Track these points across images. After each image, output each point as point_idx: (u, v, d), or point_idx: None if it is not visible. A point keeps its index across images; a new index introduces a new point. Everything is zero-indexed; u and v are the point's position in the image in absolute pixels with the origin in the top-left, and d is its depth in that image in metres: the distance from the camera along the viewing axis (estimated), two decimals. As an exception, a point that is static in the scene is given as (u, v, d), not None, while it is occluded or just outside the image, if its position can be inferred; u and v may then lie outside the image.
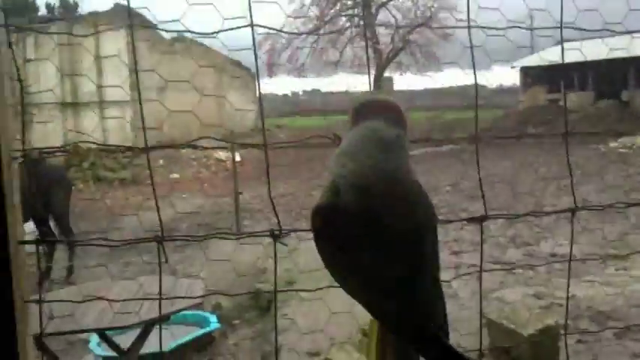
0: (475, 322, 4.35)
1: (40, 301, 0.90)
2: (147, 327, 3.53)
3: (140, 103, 1.22)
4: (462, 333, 4.03)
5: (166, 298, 2.36)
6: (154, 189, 1.33)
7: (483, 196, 1.48)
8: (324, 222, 0.99)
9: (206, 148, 1.34)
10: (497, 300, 4.61)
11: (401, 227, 0.95)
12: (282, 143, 1.42)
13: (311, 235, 1.01)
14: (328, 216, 0.97)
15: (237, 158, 13.13)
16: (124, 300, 3.14)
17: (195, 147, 1.31)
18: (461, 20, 1.46)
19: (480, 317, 1.57)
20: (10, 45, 0.98)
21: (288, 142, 1.40)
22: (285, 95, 45.79)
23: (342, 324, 3.97)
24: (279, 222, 1.44)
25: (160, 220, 1.37)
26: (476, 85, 1.48)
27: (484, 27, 1.40)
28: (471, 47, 1.32)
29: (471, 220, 1.23)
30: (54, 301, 1.46)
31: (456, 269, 5.87)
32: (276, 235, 1.12)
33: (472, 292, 5.12)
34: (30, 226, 7.58)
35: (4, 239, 0.72)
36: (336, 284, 1.09)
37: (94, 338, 4.32)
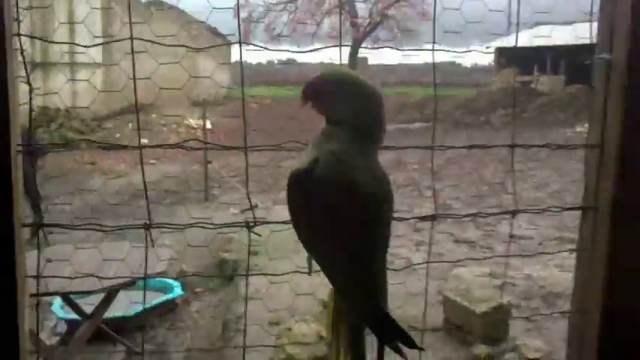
0: (430, 297, 4.51)
1: (37, 277, 0.98)
2: (110, 292, 3.59)
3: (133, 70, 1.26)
4: (420, 308, 4.19)
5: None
6: (143, 176, 1.38)
7: (435, 196, 1.56)
8: (299, 184, 1.06)
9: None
10: (455, 278, 4.76)
11: (367, 205, 1.06)
12: (261, 147, 1.44)
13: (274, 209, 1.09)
14: (304, 180, 1.05)
15: (208, 126, 13.10)
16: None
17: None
18: None
19: (425, 307, 1.65)
20: None
21: (267, 146, 1.41)
22: (260, 64, 45.37)
23: (303, 298, 4.07)
24: (252, 209, 1.50)
25: (148, 205, 1.39)
26: (434, 78, 1.51)
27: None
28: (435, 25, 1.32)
29: (422, 218, 1.29)
30: (51, 276, 1.48)
31: (417, 246, 6.02)
32: (251, 226, 1.18)
33: (432, 268, 5.28)
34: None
35: (11, 222, 0.78)
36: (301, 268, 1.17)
37: (57, 301, 4.36)
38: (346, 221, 1.05)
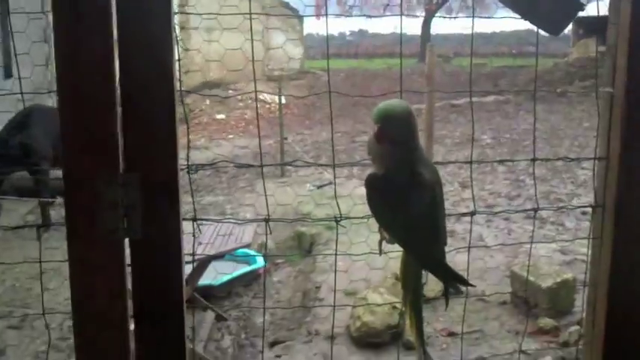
0: (500, 272, 4.70)
1: (194, 220, 1.26)
2: (202, 262, 3.97)
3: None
4: (489, 283, 4.39)
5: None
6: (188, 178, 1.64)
7: (472, 192, 1.79)
8: (372, 184, 1.46)
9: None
10: (524, 254, 4.92)
11: (430, 191, 1.47)
12: (345, 164, 1.71)
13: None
14: (375, 181, 1.45)
15: (283, 101, 13.44)
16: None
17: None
18: None
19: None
20: None
21: (349, 163, 1.69)
22: (332, 36, 45.38)
23: (376, 272, 4.34)
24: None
25: (194, 201, 1.61)
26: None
27: None
28: None
29: (463, 214, 1.61)
30: (206, 219, 1.73)
31: (487, 223, 6.15)
32: (338, 221, 1.49)
33: (502, 245, 5.44)
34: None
35: (174, 164, 1.05)
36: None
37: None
38: (416, 206, 1.44)
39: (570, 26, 24.44)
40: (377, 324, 3.71)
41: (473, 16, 1.59)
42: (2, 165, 6.41)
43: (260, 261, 5.25)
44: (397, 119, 1.41)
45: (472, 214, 1.53)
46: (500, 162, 7.03)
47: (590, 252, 1.46)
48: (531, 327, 3.86)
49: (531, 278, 3.98)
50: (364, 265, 4.29)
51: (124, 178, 0.98)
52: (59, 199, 7.44)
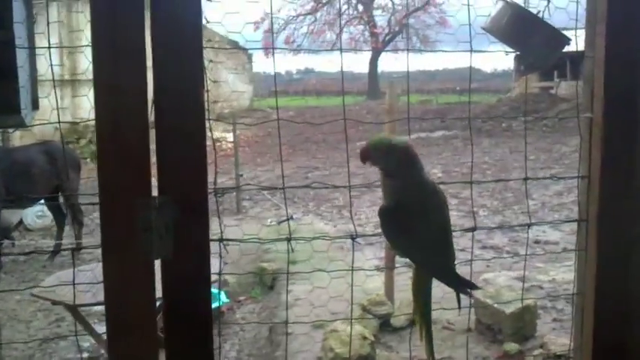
0: (464, 301, 4.80)
1: (221, 240, 1.29)
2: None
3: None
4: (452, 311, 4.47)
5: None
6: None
7: (473, 211, 1.88)
8: (384, 216, 1.57)
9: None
10: (484, 282, 5.05)
11: (437, 213, 1.59)
12: (358, 186, 1.78)
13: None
14: (386, 212, 1.56)
15: (230, 138, 13.43)
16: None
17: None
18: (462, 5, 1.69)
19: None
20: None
21: (363, 185, 1.76)
22: (279, 74, 45.84)
23: (339, 300, 4.38)
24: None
25: (220, 223, 1.68)
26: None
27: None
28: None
29: (465, 230, 1.70)
30: (233, 239, 1.61)
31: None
32: (354, 238, 1.56)
33: (463, 274, 5.56)
34: (37, 207, 7.96)
35: (204, 188, 1.09)
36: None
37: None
38: (426, 232, 1.57)
39: (512, 64, 25.44)
40: (349, 355, 3.74)
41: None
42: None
43: (223, 298, 5.21)
44: (387, 151, 1.52)
45: (473, 229, 1.63)
46: (498, 181, 7.23)
47: (576, 263, 1.57)
48: (497, 352, 3.95)
49: (495, 305, 4.09)
50: (328, 297, 4.34)
51: (158, 201, 1.02)
52: (5, 242, 7.27)
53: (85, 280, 4.00)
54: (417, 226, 1.56)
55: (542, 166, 11.59)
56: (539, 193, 9.54)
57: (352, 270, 1.63)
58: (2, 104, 1.21)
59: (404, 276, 5.24)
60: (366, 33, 28.14)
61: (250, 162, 14.35)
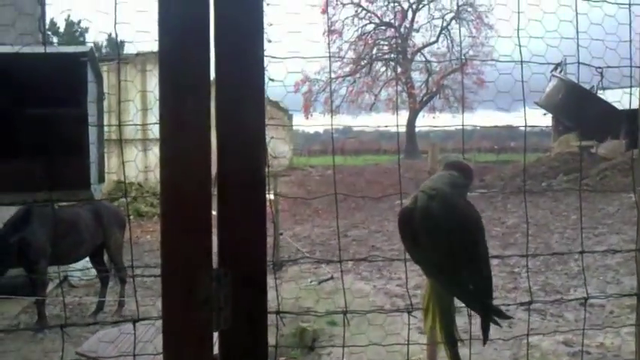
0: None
1: (278, 313, 1.33)
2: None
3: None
4: None
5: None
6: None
7: (529, 282, 1.88)
8: (404, 219, 1.56)
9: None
10: (529, 346, 4.93)
11: (452, 226, 1.54)
12: None
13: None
14: (407, 215, 1.55)
15: (271, 197, 13.60)
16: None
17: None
18: (494, 64, 1.74)
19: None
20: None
21: None
22: (318, 133, 46.44)
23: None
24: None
25: (278, 296, 1.75)
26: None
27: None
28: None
29: (522, 304, 1.69)
30: (289, 312, 1.67)
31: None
32: (410, 312, 1.57)
33: (505, 337, 5.44)
34: (82, 263, 8.13)
35: (263, 261, 1.14)
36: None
37: None
38: (444, 244, 1.53)
39: (550, 122, 25.32)
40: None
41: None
42: (0, 262, 6.40)
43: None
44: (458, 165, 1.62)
45: (529, 303, 1.61)
46: (553, 255, 7.16)
47: (636, 339, 1.54)
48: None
49: (541, 371, 3.99)
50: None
51: (217, 274, 1.07)
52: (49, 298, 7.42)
53: (128, 339, 4.06)
54: (432, 234, 1.53)
55: (584, 226, 11.35)
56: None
57: (408, 344, 1.62)
58: (74, 180, 1.28)
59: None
60: (404, 94, 28.49)
61: (289, 220, 14.43)
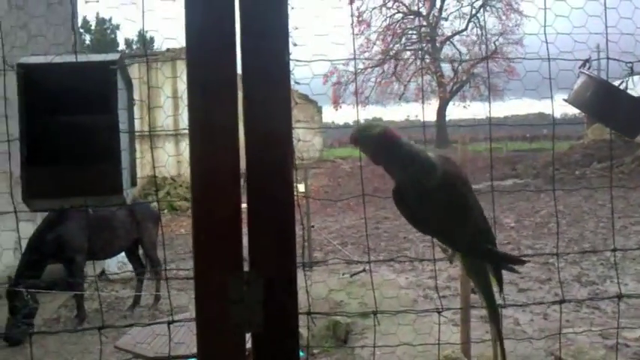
0: (540, 359, 4.66)
1: (309, 313, 1.35)
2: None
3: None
4: None
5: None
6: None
7: (561, 283, 1.87)
8: (397, 194, 1.56)
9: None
10: (564, 338, 4.88)
11: (434, 186, 1.53)
12: None
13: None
14: (397, 195, 1.57)
15: (302, 189, 13.64)
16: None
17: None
18: (527, 53, 1.72)
19: None
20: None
21: None
22: (347, 124, 46.29)
23: (415, 355, 4.33)
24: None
25: (309, 297, 1.76)
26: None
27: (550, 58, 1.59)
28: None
29: (553, 303, 1.68)
30: (319, 312, 1.79)
31: (522, 307, 6.12)
32: (440, 312, 1.57)
33: (539, 330, 5.41)
34: (118, 258, 8.29)
35: (293, 263, 1.16)
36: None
37: None
38: (435, 209, 1.53)
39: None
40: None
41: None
42: (39, 259, 6.56)
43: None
44: (366, 143, 1.56)
45: (561, 302, 1.60)
46: (584, 252, 7.06)
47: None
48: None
49: (577, 364, 3.95)
50: (401, 354, 4.29)
51: (249, 276, 1.09)
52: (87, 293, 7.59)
53: (164, 334, 4.13)
54: (422, 205, 1.53)
55: (619, 215, 11.18)
56: (618, 243, 9.18)
57: (439, 344, 1.63)
58: (106, 186, 1.32)
59: (481, 330, 5.14)
60: (434, 83, 28.26)
61: (320, 212, 14.47)
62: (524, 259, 1.60)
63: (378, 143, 1.52)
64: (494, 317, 1.64)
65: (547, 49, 1.44)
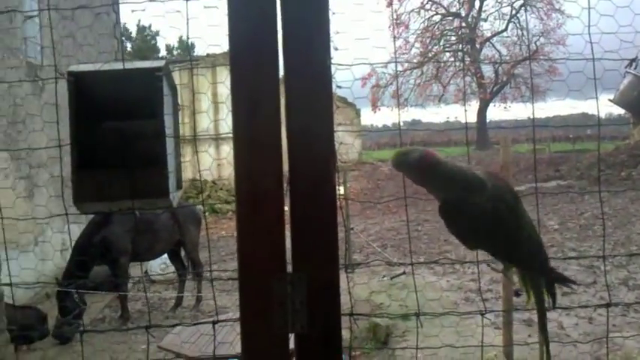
0: (587, 363, 4.57)
1: (351, 315, 1.36)
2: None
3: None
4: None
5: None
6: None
7: (607, 285, 1.84)
8: (445, 212, 1.55)
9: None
10: (611, 342, 4.77)
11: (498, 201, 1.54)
12: None
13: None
14: (446, 209, 1.55)
15: (341, 191, 13.67)
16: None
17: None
18: (569, 53, 1.69)
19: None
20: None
21: None
22: (386, 126, 46.15)
23: (457, 358, 4.29)
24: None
25: (351, 298, 1.78)
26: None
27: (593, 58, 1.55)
28: None
29: (598, 306, 1.66)
30: (362, 314, 1.77)
31: (566, 310, 6.01)
32: (483, 314, 1.57)
33: (585, 334, 5.30)
34: (160, 260, 8.43)
35: (335, 265, 1.20)
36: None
37: None
38: (484, 226, 1.53)
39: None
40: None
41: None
42: (86, 260, 6.73)
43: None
44: (403, 168, 1.53)
45: (607, 305, 1.58)
46: (631, 255, 6.93)
47: None
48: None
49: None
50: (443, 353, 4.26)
51: (292, 278, 1.11)
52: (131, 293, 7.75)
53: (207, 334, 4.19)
54: (472, 221, 1.53)
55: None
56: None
57: (482, 346, 1.63)
58: (153, 189, 1.35)
59: (523, 333, 5.06)
60: (473, 84, 27.94)
61: (360, 214, 14.45)
62: (574, 282, 1.65)
63: (418, 167, 1.52)
64: (543, 323, 1.66)
65: (592, 49, 1.42)
